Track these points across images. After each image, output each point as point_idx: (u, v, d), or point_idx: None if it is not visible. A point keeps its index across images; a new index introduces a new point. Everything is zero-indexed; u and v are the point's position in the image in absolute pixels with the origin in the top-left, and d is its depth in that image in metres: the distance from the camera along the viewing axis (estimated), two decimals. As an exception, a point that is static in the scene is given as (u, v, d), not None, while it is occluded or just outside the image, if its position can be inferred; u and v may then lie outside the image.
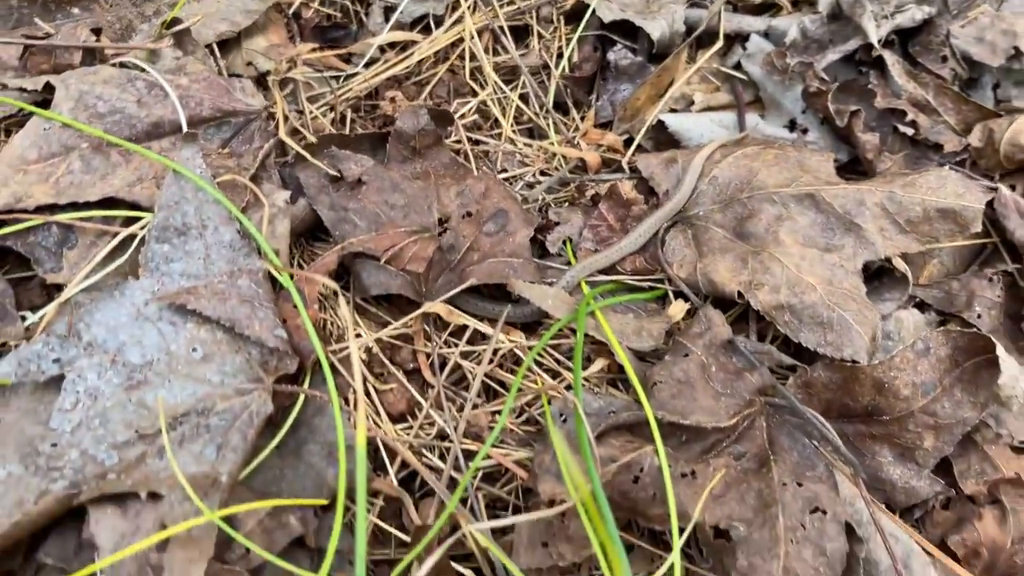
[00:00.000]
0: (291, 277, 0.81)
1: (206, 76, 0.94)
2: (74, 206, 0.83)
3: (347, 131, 1.01)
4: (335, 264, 0.85)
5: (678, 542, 0.72)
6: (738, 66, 1.11)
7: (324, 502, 0.73)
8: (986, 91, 1.11)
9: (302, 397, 0.78)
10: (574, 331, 0.87)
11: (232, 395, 0.75)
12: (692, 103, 1.07)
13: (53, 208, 0.83)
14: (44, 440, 0.71)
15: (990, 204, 0.97)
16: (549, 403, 0.81)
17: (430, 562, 0.64)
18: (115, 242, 0.82)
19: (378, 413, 0.82)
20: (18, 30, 0.99)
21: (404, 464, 0.80)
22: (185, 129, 0.88)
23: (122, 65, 0.94)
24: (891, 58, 1.05)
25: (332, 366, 0.78)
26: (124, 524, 0.68)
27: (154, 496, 0.69)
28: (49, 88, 0.89)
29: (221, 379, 0.75)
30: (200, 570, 0.65)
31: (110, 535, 0.67)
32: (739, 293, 0.87)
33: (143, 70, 0.92)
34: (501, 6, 1.10)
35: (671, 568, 0.71)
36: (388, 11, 1.10)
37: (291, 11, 1.08)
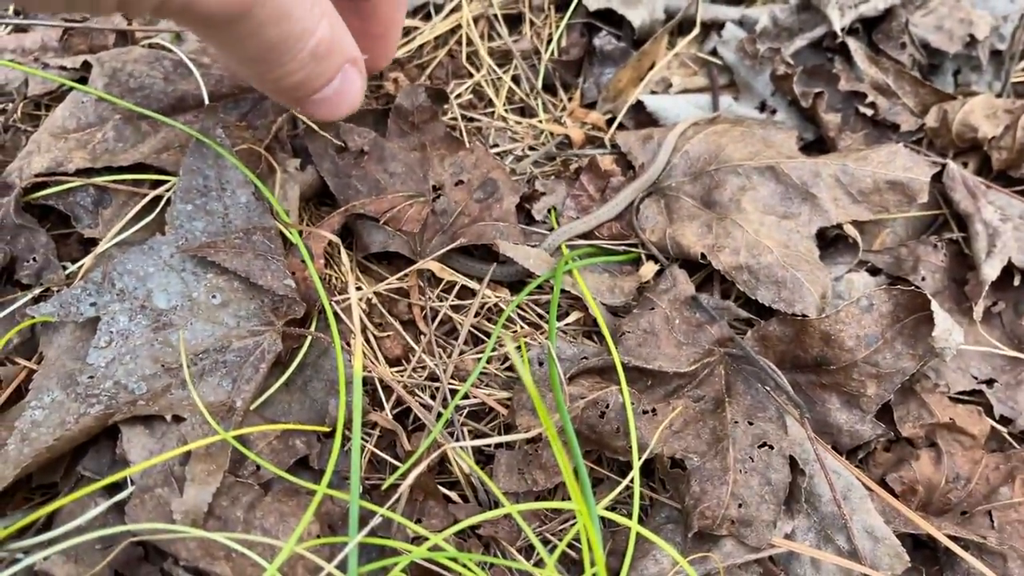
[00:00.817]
0: (300, 234, 0.91)
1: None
2: (108, 170, 0.93)
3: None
4: (340, 224, 0.95)
5: (637, 464, 0.82)
6: (714, 52, 1.20)
7: (326, 429, 0.82)
8: (947, 76, 1.20)
9: (308, 340, 0.88)
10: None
11: (246, 335, 0.85)
12: (671, 85, 1.17)
13: (90, 172, 0.93)
14: (83, 372, 0.81)
15: (940, 178, 1.06)
16: (527, 349, 0.90)
17: (414, 474, 0.74)
18: (144, 202, 0.93)
19: (376, 357, 0.92)
20: (58, 14, 1.09)
21: (399, 401, 0.90)
22: (207, 103, 0.98)
23: (151, 46, 1.04)
24: (854, 44, 1.14)
25: (335, 314, 0.88)
26: (152, 442, 0.78)
27: (177, 419, 0.79)
28: (87, 66, 0.99)
29: (237, 322, 0.85)
30: (216, 480, 0.76)
31: (140, 451, 0.78)
32: (703, 255, 0.97)
33: (170, 50, 1.02)
34: (496, -4, 1.20)
35: (635, 494, 0.81)
36: None
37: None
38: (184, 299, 0.86)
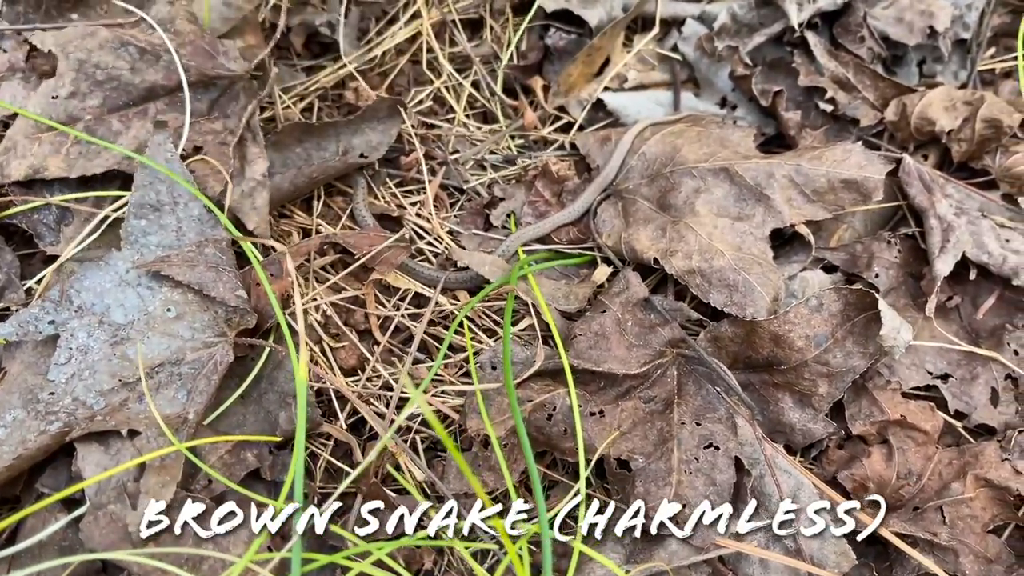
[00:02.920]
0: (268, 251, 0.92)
1: (192, 40, 1.02)
2: (83, 179, 0.94)
3: (314, 119, 1.12)
4: (315, 248, 0.97)
5: (584, 469, 0.83)
6: (675, 48, 1.20)
7: (277, 439, 0.85)
8: (911, 68, 1.19)
9: (265, 353, 0.89)
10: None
11: (200, 347, 0.87)
12: (626, 80, 1.17)
13: (65, 181, 0.95)
14: (43, 389, 0.83)
15: (895, 173, 1.06)
16: (476, 355, 0.92)
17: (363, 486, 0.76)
18: (101, 220, 0.95)
19: (331, 368, 0.94)
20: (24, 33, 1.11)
21: (354, 411, 0.92)
22: (187, 89, 0.98)
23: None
24: (814, 39, 1.14)
25: (290, 327, 0.90)
26: (106, 459, 0.81)
27: (133, 433, 0.81)
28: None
29: (191, 334, 0.88)
30: (170, 492, 0.78)
31: (93, 468, 0.80)
32: (655, 259, 0.97)
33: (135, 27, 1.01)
34: (456, 1, 1.20)
35: (584, 494, 0.82)
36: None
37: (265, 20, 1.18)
38: (140, 313, 0.88)
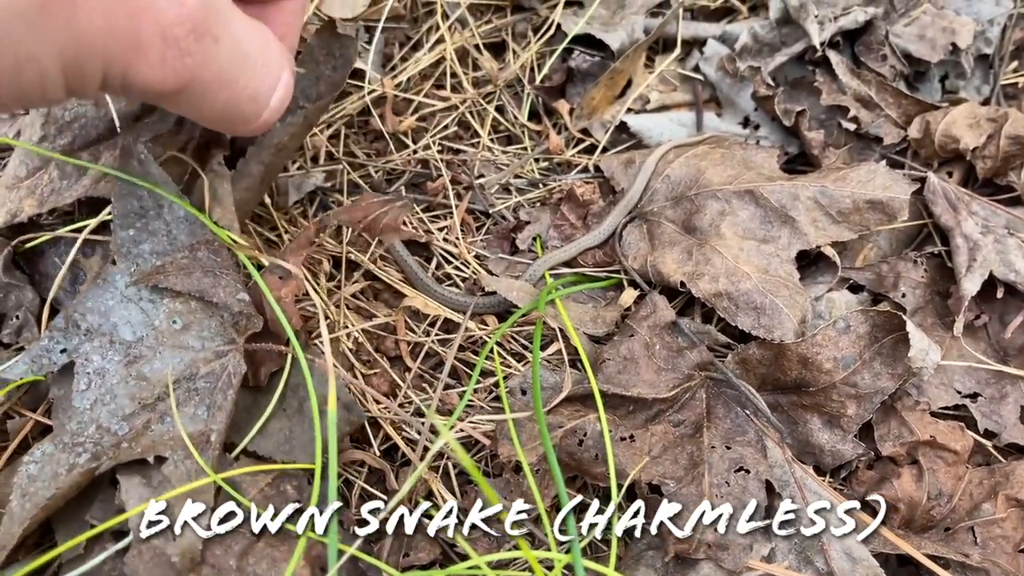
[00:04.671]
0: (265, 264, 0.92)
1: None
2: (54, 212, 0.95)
3: (341, 147, 1.14)
4: (313, 236, 0.97)
5: (616, 494, 0.84)
6: (696, 69, 1.21)
7: (316, 467, 0.85)
8: (933, 84, 1.20)
9: (288, 363, 0.89)
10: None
11: (212, 358, 0.87)
12: (648, 102, 1.18)
13: (39, 216, 0.95)
14: (70, 419, 0.84)
15: (920, 191, 1.06)
16: (506, 380, 0.93)
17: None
18: (78, 244, 0.94)
19: (364, 394, 0.95)
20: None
21: (387, 437, 0.93)
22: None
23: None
24: (836, 58, 1.14)
25: (310, 351, 0.90)
26: (147, 491, 0.82)
27: (160, 460, 0.81)
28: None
29: (201, 344, 0.87)
30: (206, 520, 0.79)
31: (136, 500, 0.81)
32: (682, 283, 0.98)
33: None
34: (479, 25, 1.22)
35: (616, 519, 0.83)
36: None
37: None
38: (148, 329, 0.87)
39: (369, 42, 1.20)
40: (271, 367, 0.89)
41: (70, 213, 0.98)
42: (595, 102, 1.17)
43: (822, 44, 1.13)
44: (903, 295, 1.00)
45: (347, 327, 0.98)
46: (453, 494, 0.90)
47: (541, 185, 1.14)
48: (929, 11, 1.16)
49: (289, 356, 0.89)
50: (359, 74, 1.19)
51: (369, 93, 1.17)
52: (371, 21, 1.22)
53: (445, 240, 1.08)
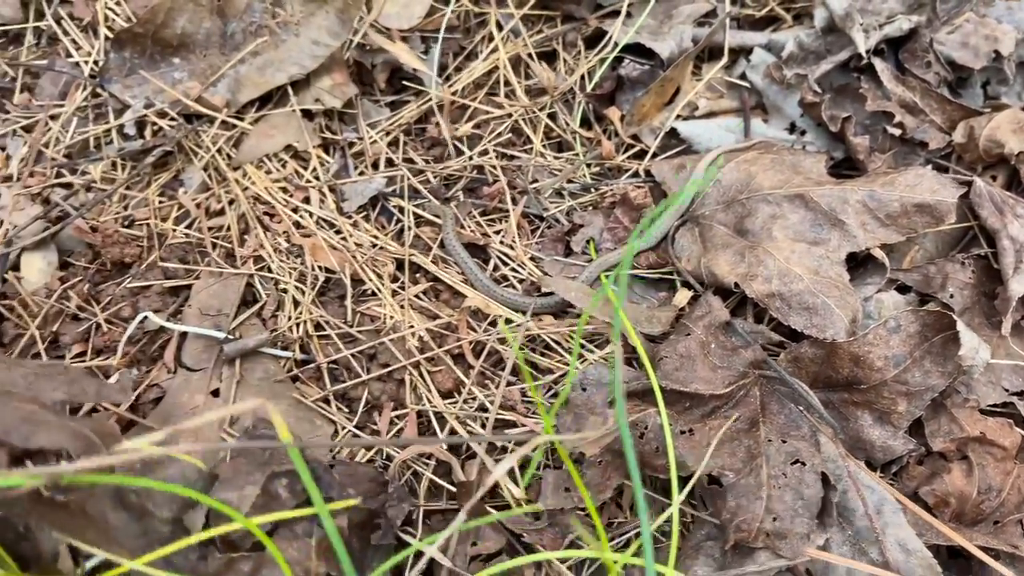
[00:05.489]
0: None
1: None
2: None
3: (400, 154, 1.19)
4: None
5: (676, 486, 0.87)
6: (743, 76, 1.25)
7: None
8: (975, 89, 1.22)
9: None
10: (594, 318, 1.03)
11: None
12: (696, 108, 1.22)
13: None
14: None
15: (966, 195, 1.09)
16: (564, 377, 0.97)
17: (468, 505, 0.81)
18: None
19: (430, 390, 0.99)
20: (131, 77, 1.19)
21: (452, 431, 0.97)
22: None
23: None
24: (880, 65, 1.17)
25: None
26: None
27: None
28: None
29: None
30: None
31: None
32: (736, 284, 1.01)
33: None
34: (531, 35, 1.26)
35: (676, 511, 0.86)
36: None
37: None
38: None
39: (426, 52, 1.25)
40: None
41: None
42: (645, 109, 1.20)
43: (867, 51, 1.16)
44: (951, 295, 1.03)
45: (412, 327, 1.02)
46: (516, 484, 0.94)
47: (593, 190, 1.18)
48: (972, 19, 1.19)
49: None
50: (417, 82, 1.24)
51: (426, 101, 1.21)
52: (426, 31, 1.27)
53: (502, 243, 1.12)
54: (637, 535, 0.95)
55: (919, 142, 1.15)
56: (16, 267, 1.07)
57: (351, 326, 1.03)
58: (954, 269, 1.05)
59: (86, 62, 1.24)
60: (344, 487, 0.86)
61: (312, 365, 1.01)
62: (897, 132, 1.15)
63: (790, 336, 1.02)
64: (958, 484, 0.95)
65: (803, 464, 0.91)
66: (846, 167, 1.18)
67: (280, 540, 0.80)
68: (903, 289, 1.06)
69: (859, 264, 1.07)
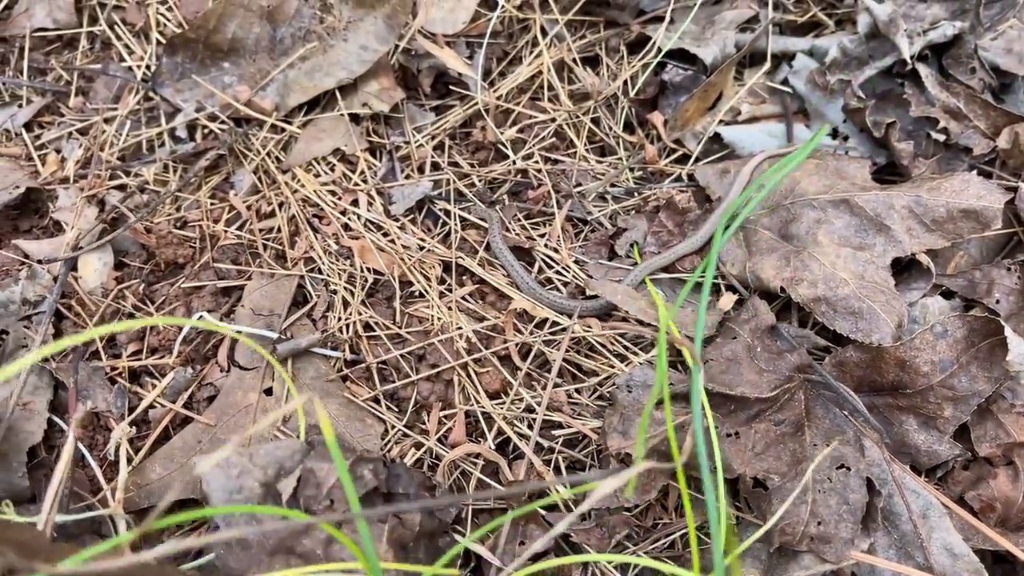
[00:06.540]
0: None
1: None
2: None
3: (445, 158, 1.20)
4: None
5: (723, 488, 0.89)
6: (785, 82, 1.25)
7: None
8: (1019, 95, 1.22)
9: None
10: (639, 321, 1.04)
11: None
12: (739, 114, 1.23)
13: None
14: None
15: (1011, 201, 1.09)
16: (609, 379, 0.98)
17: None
18: None
19: (477, 391, 1.01)
20: (182, 81, 1.22)
21: (500, 432, 0.99)
22: None
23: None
24: (924, 71, 1.17)
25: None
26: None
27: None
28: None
29: None
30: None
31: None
32: (782, 288, 1.02)
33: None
34: (574, 40, 1.27)
35: (722, 516, 0.87)
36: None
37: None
38: None
39: (471, 57, 1.27)
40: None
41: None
42: (688, 114, 1.21)
43: (912, 57, 1.17)
44: (997, 301, 1.03)
45: (459, 328, 1.04)
46: (564, 486, 0.95)
47: (636, 194, 1.19)
48: (1016, 25, 1.19)
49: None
50: (462, 86, 1.25)
51: (471, 106, 1.23)
52: (471, 37, 1.29)
53: (546, 246, 1.14)
54: (682, 536, 0.96)
55: (963, 148, 1.15)
56: (74, 267, 1.10)
57: (400, 327, 1.05)
58: (1000, 275, 1.05)
59: (138, 66, 1.27)
60: (421, 488, 0.88)
61: (362, 365, 1.03)
62: (941, 138, 1.15)
63: (835, 340, 1.03)
64: (1004, 489, 0.96)
65: (848, 469, 0.92)
66: (888, 172, 1.18)
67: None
68: (948, 294, 1.06)
69: (904, 269, 1.08)
